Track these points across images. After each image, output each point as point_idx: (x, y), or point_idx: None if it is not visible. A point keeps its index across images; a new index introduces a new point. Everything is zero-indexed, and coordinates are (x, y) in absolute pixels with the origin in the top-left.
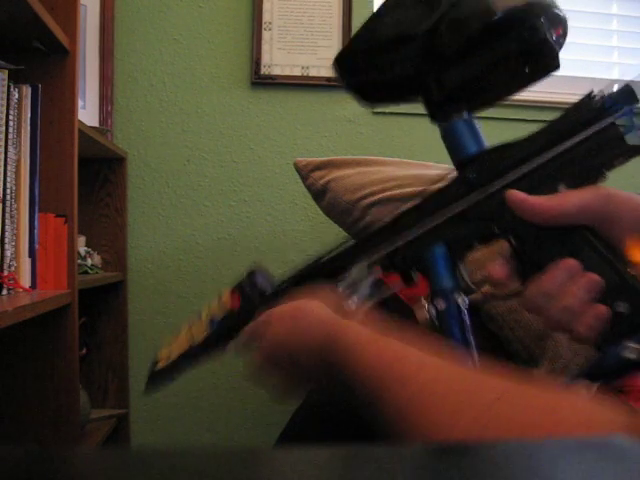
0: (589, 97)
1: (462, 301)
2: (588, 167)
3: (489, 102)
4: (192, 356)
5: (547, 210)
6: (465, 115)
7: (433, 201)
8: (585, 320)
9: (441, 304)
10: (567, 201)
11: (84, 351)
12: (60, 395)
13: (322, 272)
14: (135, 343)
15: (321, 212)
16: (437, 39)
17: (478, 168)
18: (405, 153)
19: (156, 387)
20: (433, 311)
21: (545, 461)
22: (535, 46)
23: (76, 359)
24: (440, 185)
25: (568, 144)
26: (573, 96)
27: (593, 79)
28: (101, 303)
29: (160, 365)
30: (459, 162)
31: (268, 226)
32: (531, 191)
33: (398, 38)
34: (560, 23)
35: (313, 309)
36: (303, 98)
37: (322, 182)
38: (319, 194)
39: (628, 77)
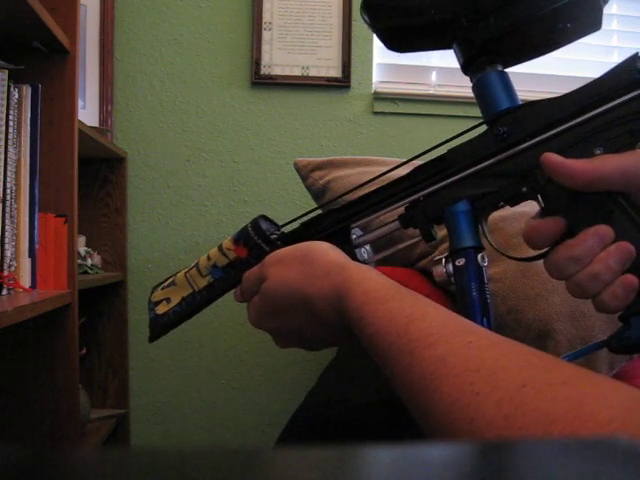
0: (633, 58)
1: (482, 259)
2: (627, 132)
3: (524, 57)
4: (195, 301)
5: (586, 174)
6: (499, 68)
7: (459, 154)
8: (612, 289)
9: (460, 261)
10: (607, 165)
11: (84, 351)
12: (60, 395)
13: (335, 219)
14: (135, 343)
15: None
16: None
17: (510, 123)
18: (405, 153)
19: (160, 334)
20: (450, 268)
21: (544, 461)
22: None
23: (76, 359)
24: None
25: (608, 106)
26: None
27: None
28: (101, 303)
29: (161, 310)
30: (490, 117)
31: None
32: (565, 151)
33: None
34: None
35: (326, 251)
36: (303, 98)
37: (322, 182)
38: (319, 194)
39: None
